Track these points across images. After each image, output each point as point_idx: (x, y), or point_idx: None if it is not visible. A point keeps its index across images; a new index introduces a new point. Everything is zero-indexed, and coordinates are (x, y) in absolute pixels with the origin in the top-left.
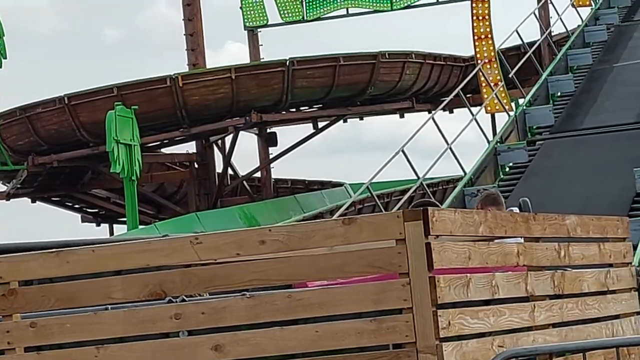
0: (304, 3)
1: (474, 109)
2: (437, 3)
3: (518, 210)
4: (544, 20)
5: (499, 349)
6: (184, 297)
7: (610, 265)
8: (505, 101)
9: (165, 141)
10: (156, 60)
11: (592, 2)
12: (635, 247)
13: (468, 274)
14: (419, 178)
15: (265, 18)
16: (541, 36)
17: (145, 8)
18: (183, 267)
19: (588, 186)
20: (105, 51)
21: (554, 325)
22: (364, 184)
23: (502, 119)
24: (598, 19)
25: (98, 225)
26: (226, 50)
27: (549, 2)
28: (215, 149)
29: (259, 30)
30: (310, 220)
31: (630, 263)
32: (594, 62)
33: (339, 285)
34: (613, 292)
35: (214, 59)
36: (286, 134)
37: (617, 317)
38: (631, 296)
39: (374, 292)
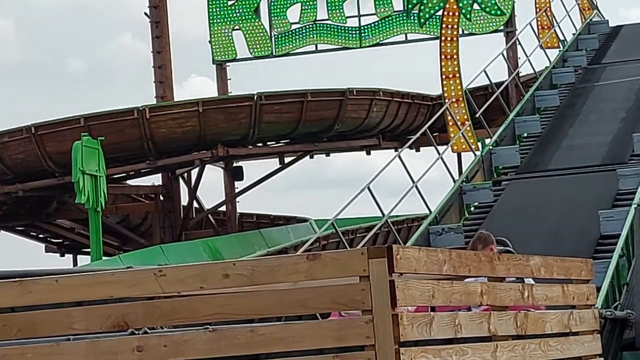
0: (272, 38)
1: (441, 148)
2: (406, 41)
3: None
4: (512, 61)
5: None
6: (147, 330)
7: (574, 307)
8: (471, 140)
9: (131, 173)
10: (121, 91)
11: (560, 44)
12: (598, 290)
13: (432, 313)
14: (384, 215)
15: (234, 52)
16: (509, 77)
17: (110, 39)
18: (146, 299)
19: (552, 227)
20: (69, 81)
21: None
22: (328, 220)
23: (468, 158)
24: (566, 60)
25: (62, 255)
26: (190, 84)
27: (517, 43)
28: (181, 181)
29: (227, 64)
30: (274, 255)
31: (594, 305)
32: (561, 104)
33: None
34: (576, 333)
35: (178, 92)
36: (252, 169)
37: (579, 359)
38: (594, 338)
39: (336, 329)
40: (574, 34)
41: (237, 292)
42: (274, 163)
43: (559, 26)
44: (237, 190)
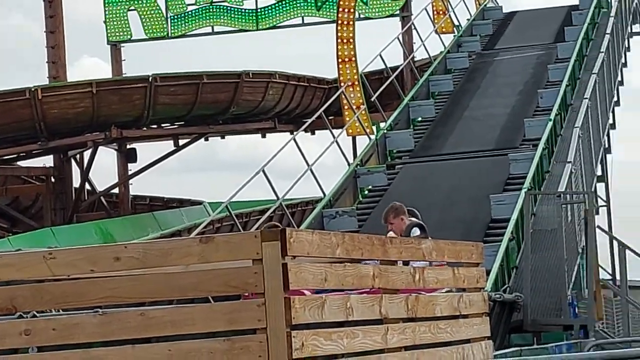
0: (168, 19)
1: (336, 131)
2: (303, 24)
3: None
4: (408, 46)
5: None
6: (35, 313)
7: (464, 290)
8: (366, 124)
9: (22, 154)
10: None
11: (455, 29)
12: (488, 273)
13: (324, 295)
14: (278, 198)
15: (129, 33)
16: (404, 61)
17: (1, 19)
18: (35, 282)
19: (445, 211)
20: None
21: (407, 348)
22: (223, 203)
23: (363, 142)
24: (460, 46)
25: None
26: (82, 65)
27: (412, 27)
28: (74, 163)
29: (122, 45)
30: (167, 238)
31: (483, 288)
32: (454, 89)
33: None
34: (465, 316)
35: (70, 73)
36: (146, 151)
37: (468, 341)
38: (483, 321)
39: (228, 312)
40: (468, 20)
41: (128, 275)
42: (168, 145)
43: (454, 12)
44: (130, 173)
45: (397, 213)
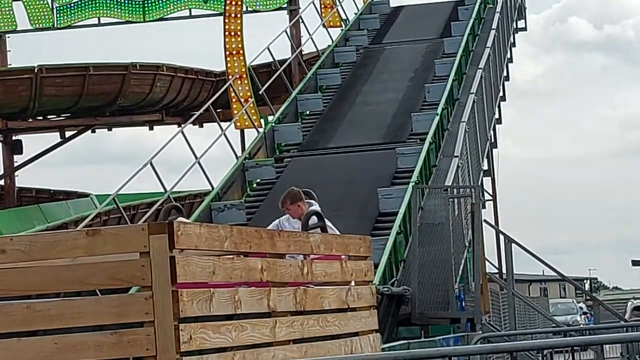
0: (54, 10)
1: (224, 124)
2: (190, 17)
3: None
4: (295, 39)
5: None
6: None
7: (352, 283)
8: (254, 117)
9: None
10: None
11: (342, 23)
12: (377, 266)
13: (211, 289)
14: (166, 191)
15: (14, 23)
16: (292, 54)
17: None
18: None
19: (333, 204)
20: None
21: (295, 341)
22: (110, 195)
23: (251, 135)
24: (348, 40)
25: None
26: None
27: (300, 21)
28: None
29: (7, 35)
30: (53, 231)
31: (371, 281)
32: (342, 83)
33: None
34: (353, 309)
35: None
36: (32, 142)
37: (356, 334)
38: (371, 314)
39: (116, 305)
40: (356, 14)
41: (13, 267)
42: (54, 137)
43: (341, 5)
44: (16, 164)
45: (294, 199)
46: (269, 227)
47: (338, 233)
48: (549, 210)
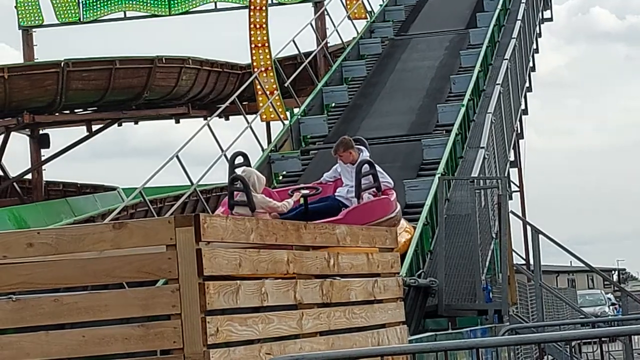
0: (80, 4)
1: (250, 117)
2: (216, 10)
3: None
4: (321, 32)
5: (267, 356)
6: None
7: (378, 275)
8: (280, 110)
9: None
10: None
11: (367, 15)
12: (403, 258)
13: (238, 281)
14: (192, 184)
15: (41, 18)
16: (317, 47)
17: None
18: None
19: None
20: None
21: (322, 333)
22: (137, 188)
23: (277, 128)
24: (373, 31)
25: None
26: None
27: (325, 13)
28: None
29: (33, 30)
30: (80, 224)
31: (397, 273)
32: (368, 74)
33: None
34: (380, 301)
35: None
36: (59, 136)
37: (383, 326)
38: (397, 306)
39: (143, 298)
40: (381, 5)
41: (41, 261)
42: (81, 131)
43: None
44: (43, 158)
45: (346, 147)
46: (327, 173)
47: (389, 179)
48: (576, 201)
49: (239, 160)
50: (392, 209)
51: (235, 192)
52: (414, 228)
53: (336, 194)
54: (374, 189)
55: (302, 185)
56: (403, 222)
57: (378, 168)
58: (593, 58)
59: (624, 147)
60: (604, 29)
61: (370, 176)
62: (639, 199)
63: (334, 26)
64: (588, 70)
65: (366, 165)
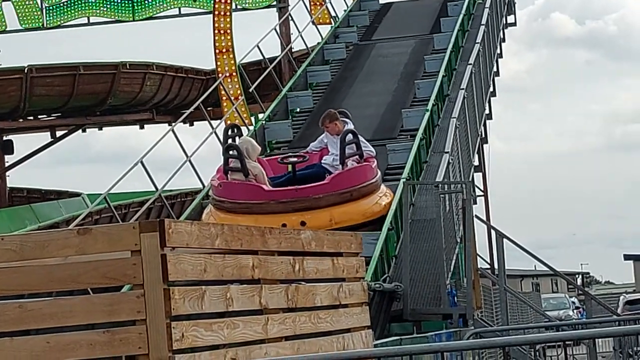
0: (44, 10)
1: (214, 122)
2: (180, 15)
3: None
4: (285, 37)
5: None
6: None
7: (343, 280)
8: (245, 115)
9: None
10: None
11: (332, 20)
12: (368, 263)
13: (203, 286)
14: (157, 190)
15: (4, 23)
16: (282, 52)
17: None
18: None
19: None
20: None
21: (287, 338)
22: (101, 194)
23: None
24: (338, 37)
25: None
26: None
27: (289, 18)
28: None
29: None
30: (44, 230)
31: (363, 278)
32: (332, 80)
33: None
34: (345, 306)
35: None
36: (23, 142)
37: (348, 330)
38: (362, 310)
39: (108, 304)
40: (345, 11)
41: (5, 267)
42: (45, 137)
43: (330, 2)
44: (7, 165)
45: (331, 118)
46: (313, 143)
47: (371, 148)
48: (540, 205)
49: (232, 133)
50: (373, 174)
51: (229, 159)
52: (393, 192)
53: (322, 161)
54: (357, 157)
55: (290, 154)
56: (383, 187)
57: (361, 138)
58: (553, 63)
59: (585, 152)
60: (564, 34)
61: (354, 145)
62: (602, 202)
63: (299, 31)
64: (548, 75)
65: (350, 135)
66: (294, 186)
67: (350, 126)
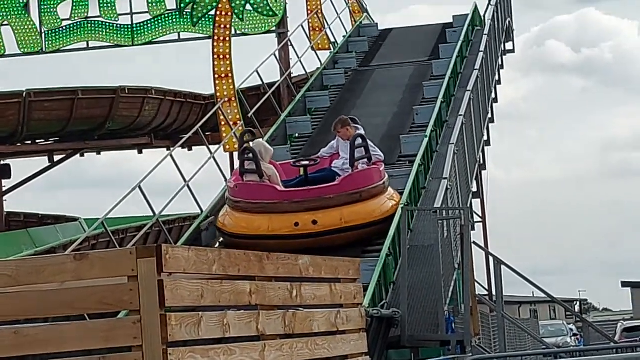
0: (43, 34)
1: (213, 147)
2: (179, 40)
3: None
4: (284, 62)
5: None
6: None
7: (341, 306)
8: None
9: None
10: None
11: (331, 46)
12: (366, 289)
13: (200, 312)
14: (155, 215)
15: (2, 48)
16: (281, 77)
17: None
18: None
19: None
20: None
21: None
22: (99, 219)
23: None
24: (337, 62)
25: None
26: None
27: (289, 44)
28: None
29: None
30: (40, 255)
31: (361, 304)
32: (331, 105)
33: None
34: (343, 332)
35: None
36: (20, 167)
37: (345, 357)
38: (360, 337)
39: (104, 330)
40: (344, 37)
41: (1, 292)
42: (43, 161)
43: (329, 28)
44: (4, 189)
45: (343, 124)
46: (324, 149)
47: (379, 152)
48: (538, 231)
49: (248, 137)
50: (381, 177)
51: (245, 162)
52: (400, 195)
53: (332, 166)
54: (366, 160)
55: (302, 158)
56: (390, 190)
57: (370, 142)
58: (549, 90)
59: (582, 179)
60: (560, 61)
61: (363, 148)
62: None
63: (298, 57)
64: (545, 102)
65: (359, 138)
66: (305, 187)
67: (361, 131)
